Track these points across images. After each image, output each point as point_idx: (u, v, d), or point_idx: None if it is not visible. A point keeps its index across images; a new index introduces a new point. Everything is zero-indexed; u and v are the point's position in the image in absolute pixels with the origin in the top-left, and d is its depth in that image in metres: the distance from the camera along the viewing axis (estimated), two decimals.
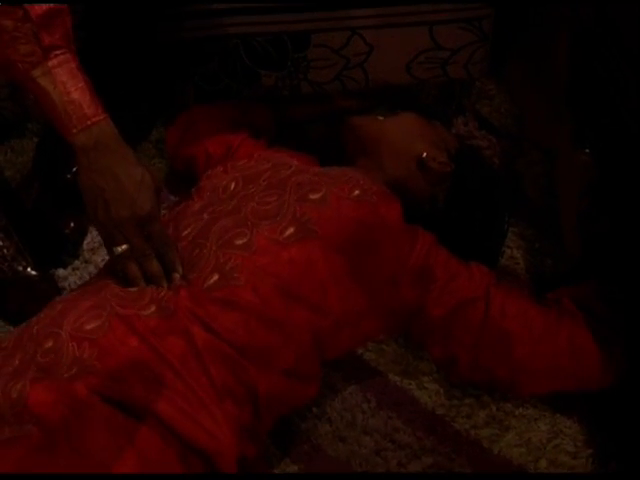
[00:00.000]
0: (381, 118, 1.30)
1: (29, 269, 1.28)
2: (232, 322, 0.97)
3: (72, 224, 1.36)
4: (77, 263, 1.38)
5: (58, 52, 0.98)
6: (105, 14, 1.28)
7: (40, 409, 0.85)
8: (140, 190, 1.02)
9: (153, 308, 0.96)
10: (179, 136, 1.44)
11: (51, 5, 0.96)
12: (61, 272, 1.36)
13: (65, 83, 0.98)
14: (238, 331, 0.97)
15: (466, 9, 1.40)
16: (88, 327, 0.93)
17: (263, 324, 0.99)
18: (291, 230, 1.04)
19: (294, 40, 1.43)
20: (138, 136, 1.56)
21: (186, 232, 1.10)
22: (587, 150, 1.26)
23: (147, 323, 0.94)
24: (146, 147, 1.55)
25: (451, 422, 1.17)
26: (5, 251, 1.27)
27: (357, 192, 1.10)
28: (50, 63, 0.97)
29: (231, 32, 1.42)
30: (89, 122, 0.99)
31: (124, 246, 1.02)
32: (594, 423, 1.16)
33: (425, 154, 1.22)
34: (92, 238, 1.39)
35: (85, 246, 1.39)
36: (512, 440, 1.15)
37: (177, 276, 1.03)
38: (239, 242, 1.03)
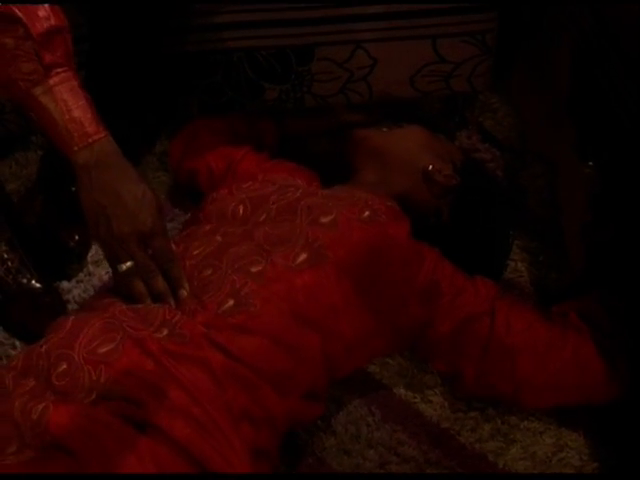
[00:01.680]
0: (386, 130, 1.30)
1: (33, 282, 1.27)
2: (250, 347, 0.97)
3: (76, 237, 1.35)
4: (81, 276, 1.38)
5: (59, 70, 0.98)
6: (110, 26, 1.28)
7: (63, 432, 0.84)
8: (141, 206, 1.02)
9: (165, 332, 0.95)
10: (182, 149, 1.44)
11: (52, 23, 0.97)
12: (65, 284, 1.36)
13: (66, 101, 0.98)
14: (255, 357, 0.96)
15: (470, 23, 1.40)
16: (101, 350, 0.92)
17: (279, 350, 0.99)
18: (304, 256, 1.04)
19: (298, 53, 1.43)
20: (142, 149, 1.56)
21: (197, 251, 1.09)
22: (590, 163, 1.26)
23: (161, 345, 0.93)
24: (150, 160, 1.56)
25: (456, 435, 1.17)
26: (9, 264, 1.26)
27: (367, 213, 1.10)
28: (51, 81, 0.98)
29: (235, 45, 1.42)
30: (90, 140, 0.99)
31: (128, 263, 1.02)
32: (599, 437, 1.16)
33: (431, 167, 1.22)
34: (96, 251, 1.38)
35: (89, 259, 1.39)
36: (517, 454, 1.15)
37: (184, 293, 1.03)
38: (254, 270, 1.03)
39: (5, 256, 1.27)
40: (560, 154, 1.42)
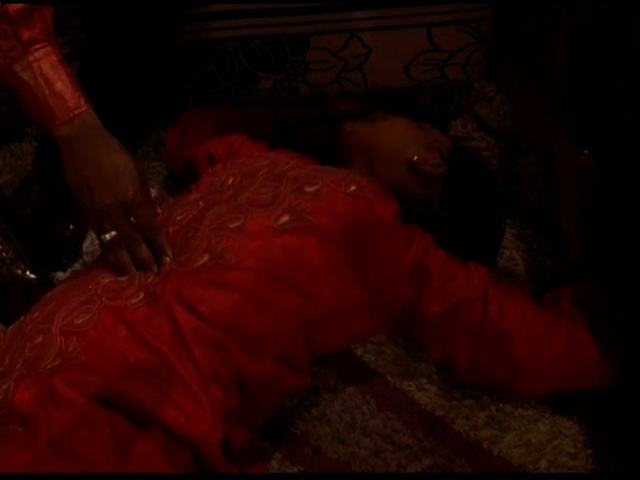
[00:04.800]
0: (371, 124, 1.31)
1: (28, 272, 1.28)
2: (220, 303, 0.97)
3: (71, 227, 1.36)
4: (76, 266, 1.38)
5: (38, 46, 0.99)
6: (105, 16, 1.28)
7: (23, 407, 0.85)
8: (123, 176, 1.03)
9: (142, 295, 0.97)
10: (179, 137, 1.45)
11: None
12: (60, 275, 1.36)
13: (46, 76, 0.99)
14: (225, 312, 0.97)
15: (464, 11, 1.40)
16: (78, 321, 0.94)
17: (253, 306, 0.99)
18: (286, 218, 1.04)
19: (292, 43, 1.43)
20: (137, 139, 1.56)
21: (180, 217, 1.11)
22: (586, 151, 1.26)
23: (135, 312, 0.95)
24: (146, 150, 1.56)
25: (451, 423, 1.17)
26: (4, 254, 1.27)
27: (353, 188, 1.10)
28: (31, 57, 0.99)
29: (229, 35, 1.42)
30: (72, 114, 1.01)
31: (112, 233, 1.04)
32: (594, 424, 1.16)
33: (416, 157, 1.22)
34: (91, 241, 1.39)
35: (84, 249, 1.40)
36: (512, 441, 1.15)
37: (167, 260, 1.04)
38: (232, 225, 1.04)
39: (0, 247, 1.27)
40: (556, 142, 1.42)
